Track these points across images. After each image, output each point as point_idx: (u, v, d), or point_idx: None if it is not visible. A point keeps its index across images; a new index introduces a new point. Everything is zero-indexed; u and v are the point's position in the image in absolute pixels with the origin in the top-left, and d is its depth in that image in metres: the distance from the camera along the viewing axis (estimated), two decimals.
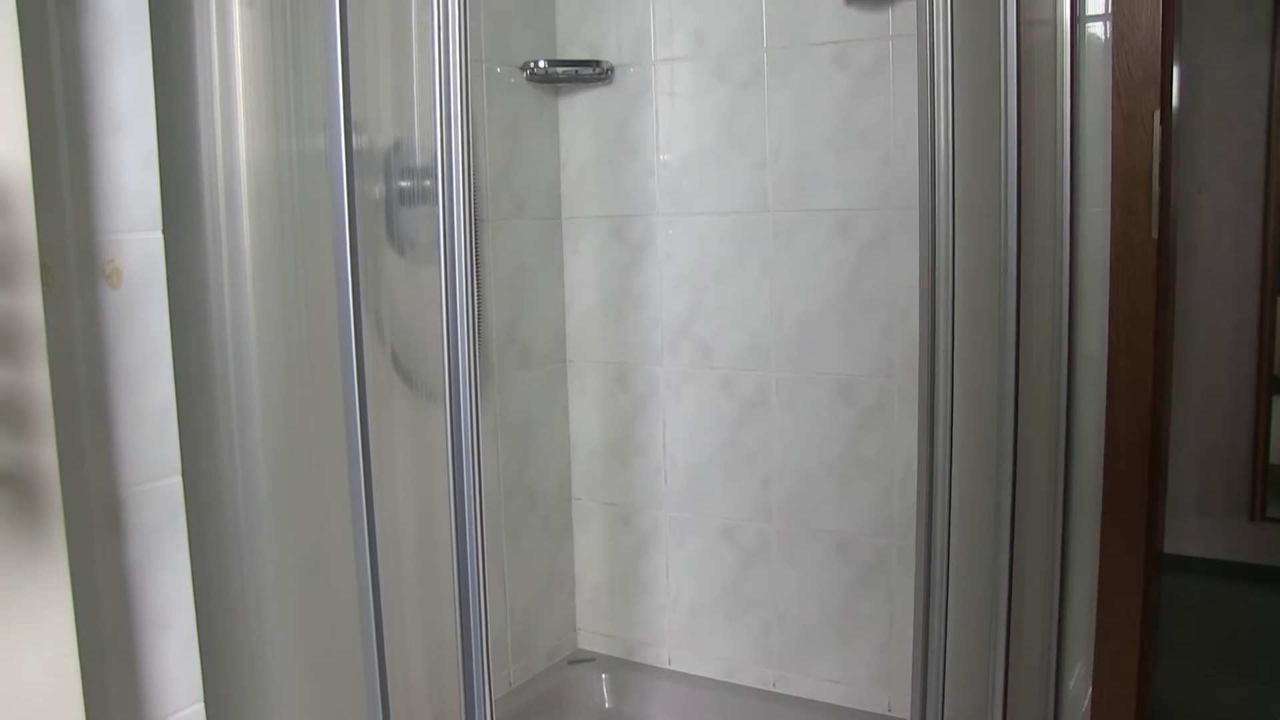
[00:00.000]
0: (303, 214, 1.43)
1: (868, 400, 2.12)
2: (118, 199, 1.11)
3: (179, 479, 1.17)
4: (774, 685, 2.32)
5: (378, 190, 1.71)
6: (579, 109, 2.38)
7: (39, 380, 0.91)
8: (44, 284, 0.95)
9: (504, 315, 2.27)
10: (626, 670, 2.50)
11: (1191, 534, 3.69)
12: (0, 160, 0.89)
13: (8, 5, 0.92)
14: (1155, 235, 1.75)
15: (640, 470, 2.43)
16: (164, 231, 1.16)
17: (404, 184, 1.75)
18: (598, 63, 2.29)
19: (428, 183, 1.72)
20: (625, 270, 2.37)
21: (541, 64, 2.26)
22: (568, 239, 2.44)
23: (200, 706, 1.19)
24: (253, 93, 1.35)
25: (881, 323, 2.08)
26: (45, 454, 0.92)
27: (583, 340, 2.46)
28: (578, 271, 2.44)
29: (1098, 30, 1.78)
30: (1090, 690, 1.89)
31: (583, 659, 2.54)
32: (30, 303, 0.91)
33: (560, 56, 2.38)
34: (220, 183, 1.31)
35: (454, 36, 1.33)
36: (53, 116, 1.05)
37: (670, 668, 2.46)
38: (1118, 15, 1.76)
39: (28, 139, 0.92)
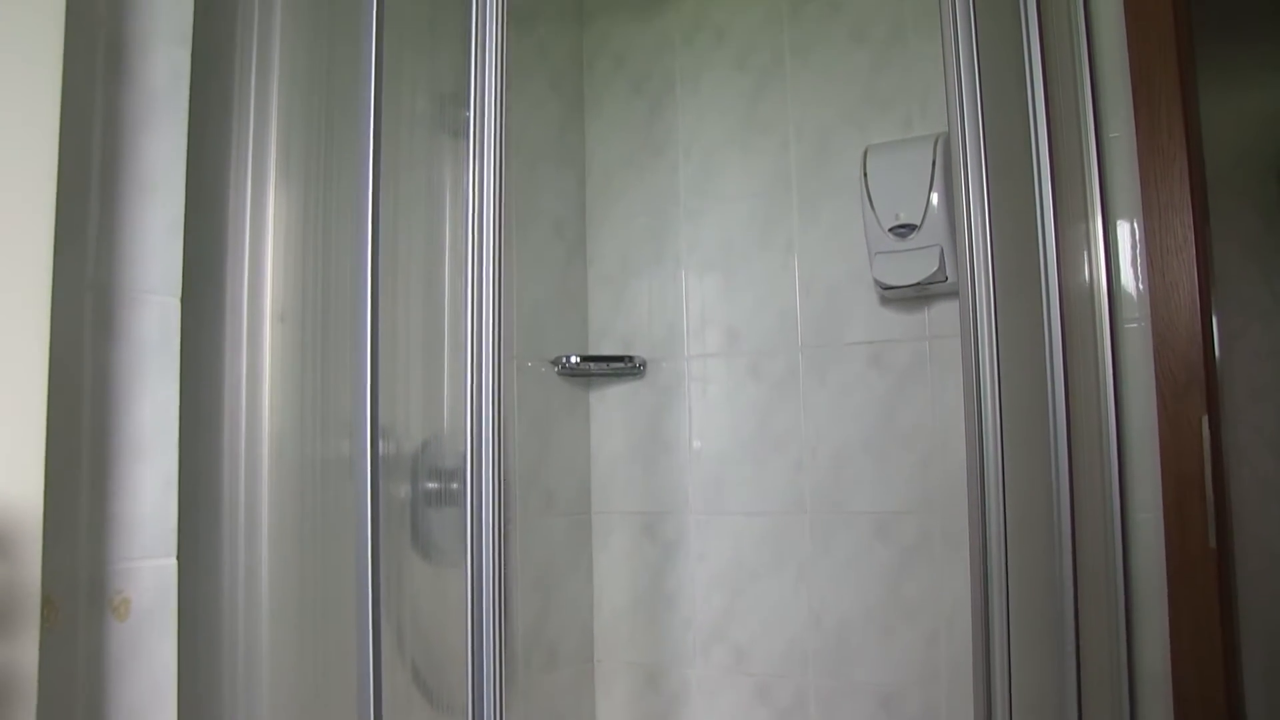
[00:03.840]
0: (325, 523, 1.38)
1: (912, 713, 1.99)
2: (133, 525, 1.06)
3: None
4: None
5: (403, 493, 1.66)
6: (610, 402, 2.36)
7: None
8: (44, 621, 0.89)
9: (530, 616, 2.18)
10: None
11: None
12: (11, 500, 0.84)
13: (40, 333, 0.90)
14: (1213, 545, 1.67)
15: None
16: (178, 556, 1.10)
17: (431, 485, 1.71)
18: (630, 358, 2.28)
19: (455, 485, 1.67)
20: (657, 569, 2.29)
21: (574, 359, 2.26)
22: (597, 535, 2.37)
23: None
24: (280, 403, 1.32)
25: (925, 631, 1.98)
26: None
27: (612, 641, 2.36)
28: (607, 569, 2.36)
29: (1136, 328, 1.76)
30: None
31: None
32: (24, 651, 0.85)
33: (593, 348, 2.39)
34: (241, 498, 1.27)
35: (488, 336, 1.31)
36: (77, 443, 1.02)
37: None
38: (1156, 319, 1.74)
39: (44, 475, 0.88)
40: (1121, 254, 1.78)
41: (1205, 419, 1.70)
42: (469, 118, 1.32)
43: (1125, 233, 1.78)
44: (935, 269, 1.83)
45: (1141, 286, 1.76)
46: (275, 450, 1.31)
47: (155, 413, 1.09)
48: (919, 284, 1.88)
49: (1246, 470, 3.51)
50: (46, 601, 0.90)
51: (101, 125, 1.08)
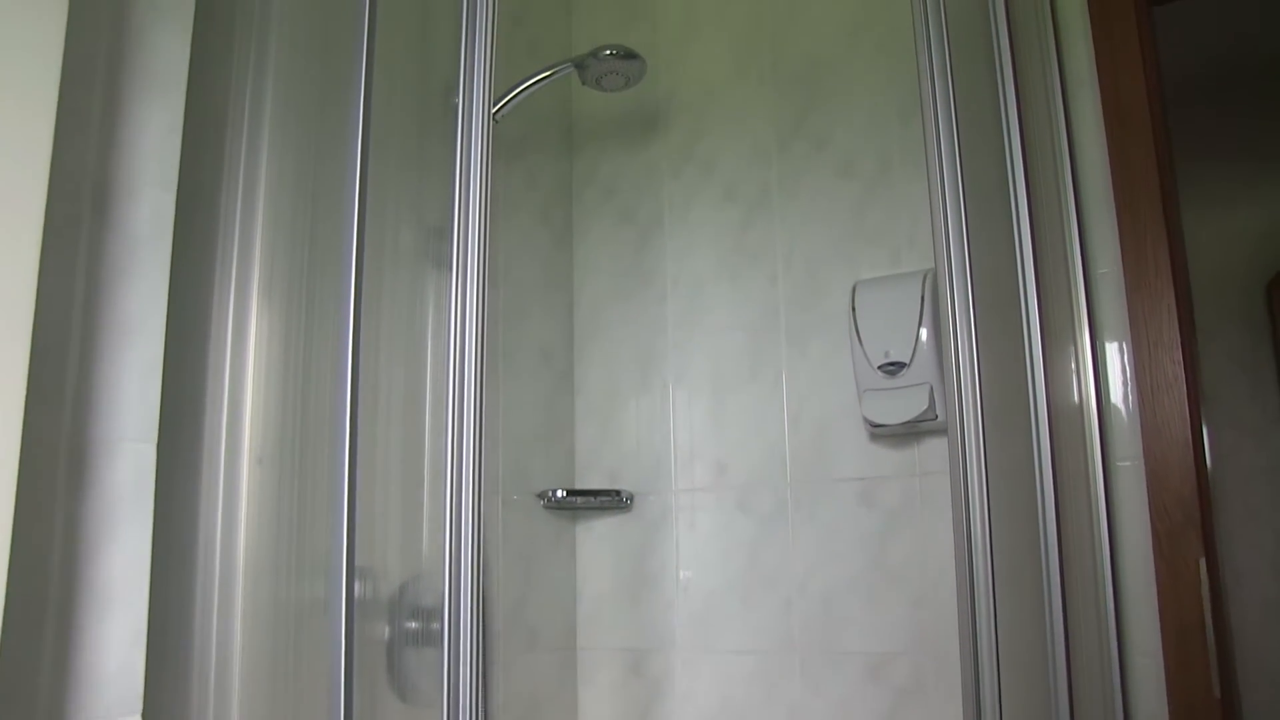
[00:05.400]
0: (299, 668, 1.34)
1: None
2: (97, 683, 1.02)
3: None
4: None
5: (382, 633, 1.62)
6: (598, 534, 2.32)
7: None
8: None
9: None
10: None
11: None
12: None
13: (5, 494, 0.88)
14: (1218, 694, 1.63)
15: None
16: (144, 713, 1.06)
17: (411, 625, 1.66)
18: (617, 492, 2.25)
19: (435, 625, 1.63)
20: (643, 708, 2.23)
21: (560, 493, 2.22)
22: (583, 672, 2.31)
23: None
24: (255, 548, 1.30)
25: None
26: None
27: None
28: (592, 708, 2.29)
29: (1129, 466, 1.74)
30: None
31: None
32: None
33: (580, 480, 2.35)
34: (213, 646, 1.23)
35: (468, 471, 1.28)
36: (43, 600, 0.98)
37: None
38: (1149, 457, 1.72)
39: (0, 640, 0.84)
40: (1112, 391, 1.77)
41: (1203, 561, 1.67)
42: (452, 250, 1.31)
43: (1115, 370, 1.77)
44: (925, 408, 1.82)
45: (1133, 425, 1.75)
46: (250, 596, 1.28)
47: (126, 564, 1.06)
48: (909, 422, 1.86)
49: (1245, 592, 3.46)
50: None
51: (85, 270, 1.07)
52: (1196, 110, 3.65)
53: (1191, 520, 1.69)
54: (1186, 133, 3.63)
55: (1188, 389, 1.72)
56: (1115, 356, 1.78)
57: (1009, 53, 1.72)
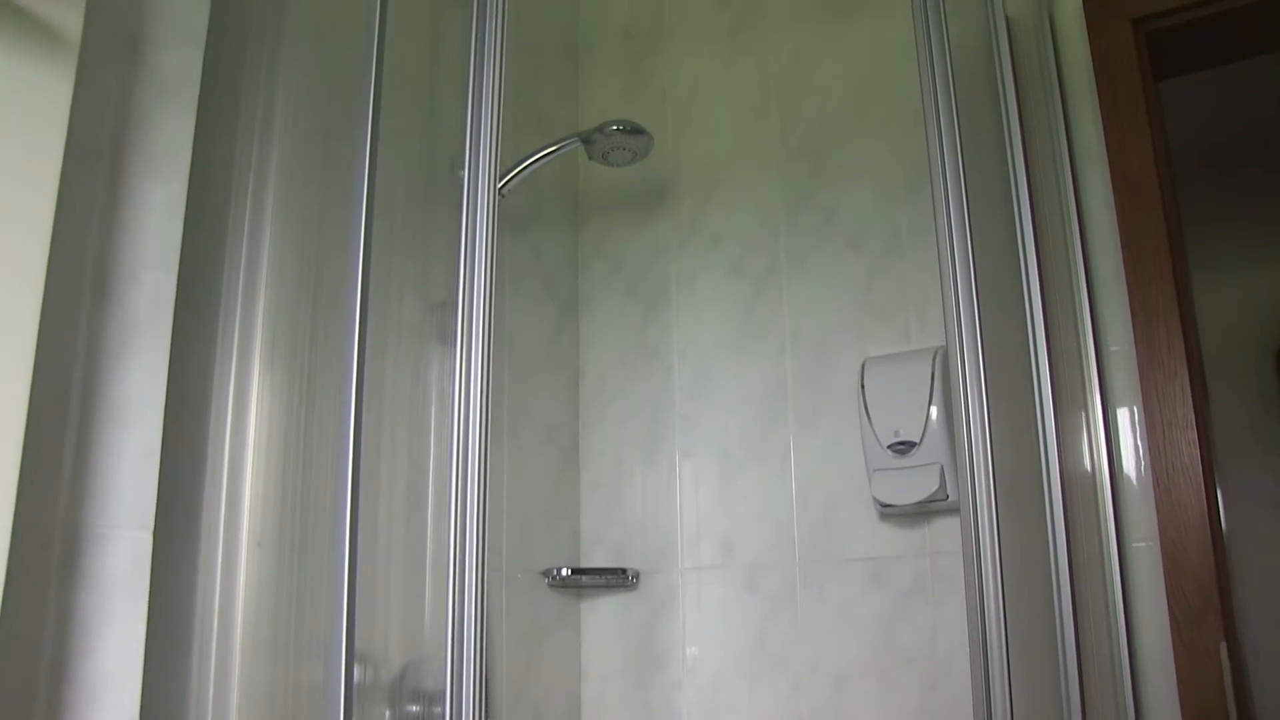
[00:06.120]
0: None
1: None
2: None
3: None
4: None
5: (382, 717, 1.59)
6: (602, 612, 2.28)
7: None
8: None
9: None
10: None
11: None
12: None
13: None
14: None
15: None
16: None
17: (413, 709, 1.63)
18: (623, 571, 2.22)
19: (437, 709, 1.60)
20: None
21: (565, 571, 2.19)
22: None
23: None
24: (253, 633, 1.27)
25: None
26: None
27: None
28: None
29: (1144, 547, 1.71)
30: None
31: None
32: None
33: (585, 557, 2.32)
34: None
35: (472, 550, 1.26)
36: (33, 691, 0.96)
37: None
38: (1165, 539, 1.69)
39: None
40: (1127, 471, 1.75)
41: (1224, 646, 1.63)
42: (457, 324, 1.30)
43: (1129, 451, 1.75)
44: (936, 488, 1.79)
45: (1148, 506, 1.72)
46: (246, 682, 1.25)
47: (119, 655, 1.04)
48: (919, 503, 1.83)
49: (1265, 667, 3.39)
50: None
51: (83, 351, 1.06)
52: (1200, 176, 3.65)
53: (1211, 605, 1.65)
54: (1190, 198, 3.63)
55: (1203, 470, 1.70)
56: (1129, 437, 1.75)
57: (1018, 128, 1.72)
